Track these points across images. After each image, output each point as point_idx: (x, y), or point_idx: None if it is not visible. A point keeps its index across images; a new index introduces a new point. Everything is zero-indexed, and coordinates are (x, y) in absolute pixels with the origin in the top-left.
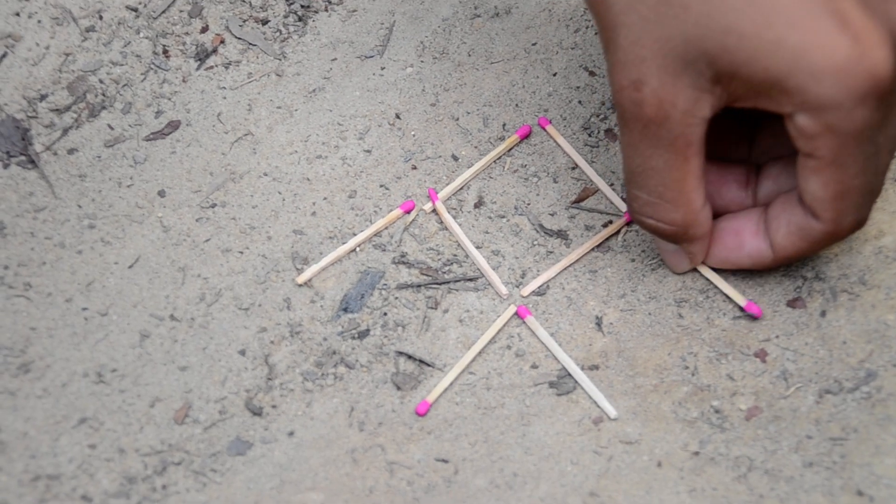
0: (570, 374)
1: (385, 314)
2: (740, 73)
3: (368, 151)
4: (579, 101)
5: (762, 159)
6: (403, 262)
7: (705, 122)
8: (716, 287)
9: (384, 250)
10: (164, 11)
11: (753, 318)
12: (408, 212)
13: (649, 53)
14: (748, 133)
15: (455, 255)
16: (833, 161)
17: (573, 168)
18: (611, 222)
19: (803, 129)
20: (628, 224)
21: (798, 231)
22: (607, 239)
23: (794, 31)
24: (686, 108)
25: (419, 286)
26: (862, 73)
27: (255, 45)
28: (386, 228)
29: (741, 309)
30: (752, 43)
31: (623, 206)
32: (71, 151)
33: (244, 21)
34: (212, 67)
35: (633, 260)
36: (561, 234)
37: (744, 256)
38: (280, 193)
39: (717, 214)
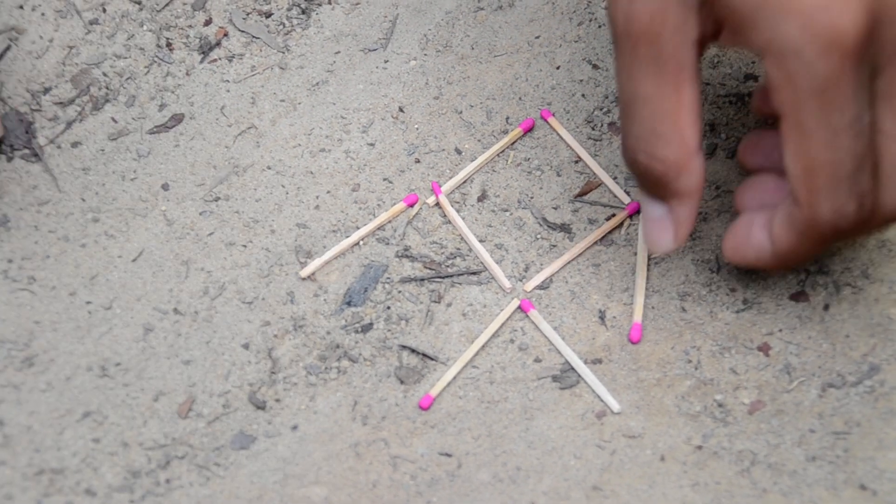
0: (573, 368)
1: (388, 308)
2: None
3: (372, 145)
4: (582, 95)
5: None
6: (407, 256)
7: (696, 45)
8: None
9: (387, 244)
10: (167, 4)
11: (631, 339)
12: (411, 205)
13: None
14: None
15: (458, 249)
16: (797, 124)
17: (576, 161)
18: (614, 216)
19: (769, 76)
20: (631, 217)
21: (788, 219)
22: (610, 232)
23: None
24: (676, 25)
25: (422, 280)
26: (825, 21)
27: (258, 38)
28: (389, 222)
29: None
30: None
31: (626, 200)
32: (75, 145)
33: (248, 14)
34: (215, 60)
35: (636, 254)
36: (564, 228)
37: (749, 248)
38: (283, 187)
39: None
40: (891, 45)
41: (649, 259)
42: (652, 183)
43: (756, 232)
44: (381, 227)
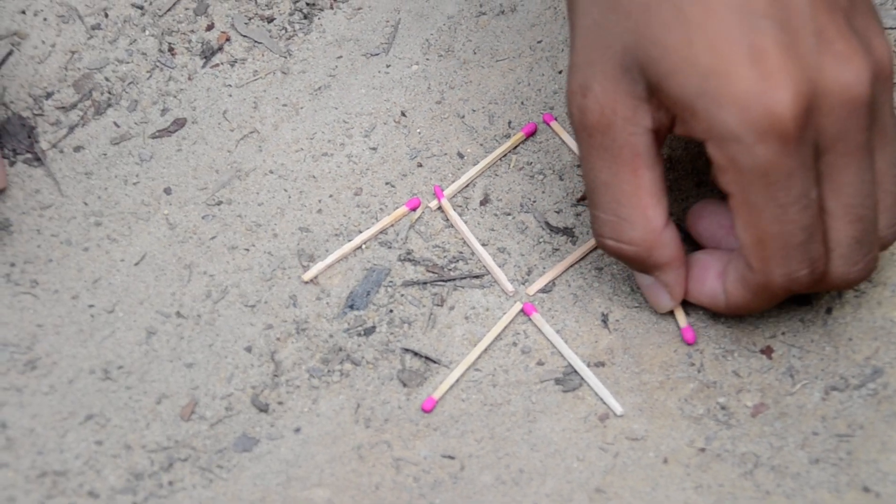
0: (576, 371)
1: (391, 311)
2: (662, 88)
3: (374, 149)
4: None
5: None
6: (409, 260)
7: (649, 132)
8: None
9: (390, 247)
10: (169, 9)
11: (687, 342)
12: (413, 209)
13: (597, 57)
14: None
15: (461, 253)
16: (745, 201)
17: (578, 165)
18: None
19: (713, 160)
20: None
21: (741, 279)
22: None
23: (710, 53)
24: (626, 116)
25: (425, 283)
26: (760, 109)
27: (260, 43)
28: (392, 226)
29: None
30: (672, 57)
31: None
32: (77, 149)
33: (250, 19)
34: (217, 65)
35: None
36: (567, 232)
37: (702, 294)
38: (286, 191)
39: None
40: (827, 132)
41: None
42: (628, 262)
43: (711, 280)
44: (383, 231)
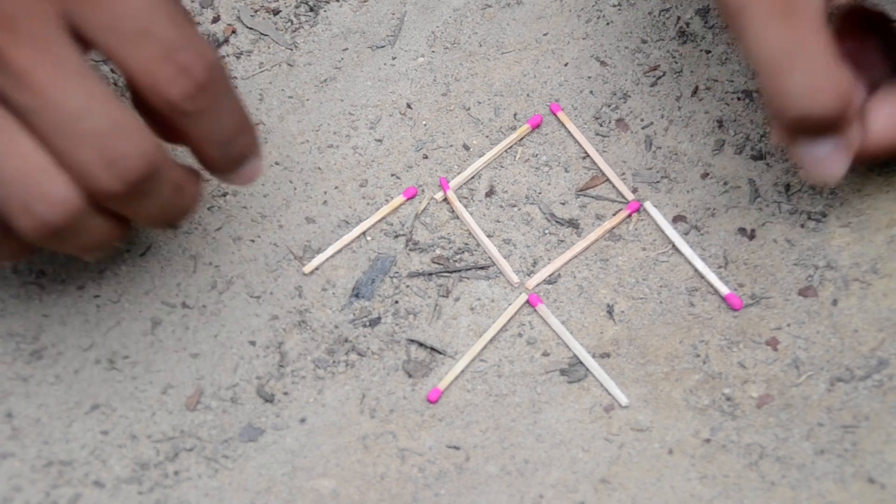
0: (581, 362)
1: (396, 302)
2: None
3: (380, 141)
4: (590, 91)
5: None
6: (415, 251)
7: None
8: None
9: (395, 238)
10: None
11: (733, 308)
12: (409, 198)
13: None
14: None
15: (466, 244)
16: None
17: (584, 157)
18: (622, 210)
19: None
20: (637, 212)
21: None
22: (618, 227)
23: None
24: None
25: (430, 274)
26: None
27: (266, 35)
28: (392, 213)
29: (722, 299)
30: None
31: (630, 196)
32: None
33: (255, 11)
34: (223, 57)
35: (644, 249)
36: (572, 223)
37: None
38: (291, 182)
39: None
40: None
41: (661, 251)
42: (827, 123)
43: None
44: (387, 223)
